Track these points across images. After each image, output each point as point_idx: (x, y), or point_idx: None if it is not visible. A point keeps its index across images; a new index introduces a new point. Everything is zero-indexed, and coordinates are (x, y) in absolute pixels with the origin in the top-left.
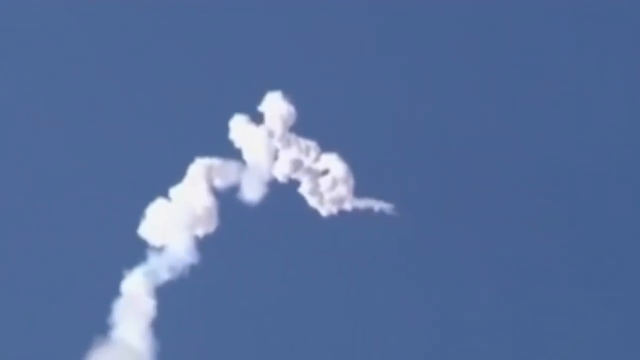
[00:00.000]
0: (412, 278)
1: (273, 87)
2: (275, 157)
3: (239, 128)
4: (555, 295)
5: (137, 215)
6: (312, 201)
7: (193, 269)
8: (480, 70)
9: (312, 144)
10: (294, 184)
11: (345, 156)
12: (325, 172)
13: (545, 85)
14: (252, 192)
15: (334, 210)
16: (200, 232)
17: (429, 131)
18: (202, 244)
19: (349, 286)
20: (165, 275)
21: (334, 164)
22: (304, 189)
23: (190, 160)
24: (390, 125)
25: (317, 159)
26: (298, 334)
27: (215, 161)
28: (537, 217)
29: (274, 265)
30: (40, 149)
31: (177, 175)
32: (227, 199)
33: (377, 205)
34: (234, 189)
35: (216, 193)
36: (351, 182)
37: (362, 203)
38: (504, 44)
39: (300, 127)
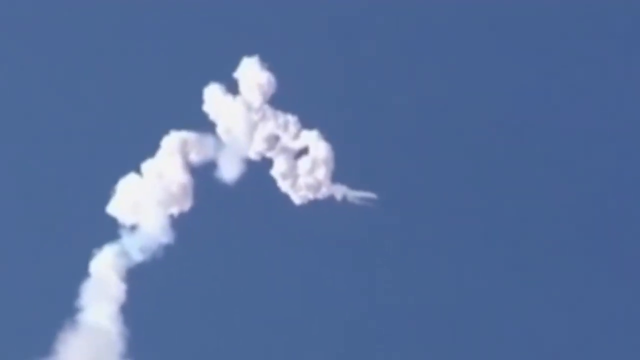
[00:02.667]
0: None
1: (249, 52)
2: (253, 132)
3: (214, 99)
4: (547, 285)
5: (107, 191)
6: (285, 185)
7: (167, 249)
8: (475, 56)
9: (292, 118)
10: (269, 162)
11: (327, 134)
12: (303, 151)
13: (537, 82)
14: (229, 169)
15: (309, 197)
16: (175, 210)
17: (422, 112)
18: (177, 223)
19: (323, 270)
20: (137, 256)
21: (314, 143)
22: (277, 171)
23: (164, 132)
24: (381, 100)
25: (296, 136)
26: (274, 318)
27: (190, 134)
28: (523, 210)
29: (252, 247)
30: (4, 121)
31: (150, 148)
32: (202, 176)
33: (358, 194)
34: (210, 165)
35: (191, 169)
36: (331, 164)
37: (341, 191)
38: (496, 33)
39: (279, 99)
